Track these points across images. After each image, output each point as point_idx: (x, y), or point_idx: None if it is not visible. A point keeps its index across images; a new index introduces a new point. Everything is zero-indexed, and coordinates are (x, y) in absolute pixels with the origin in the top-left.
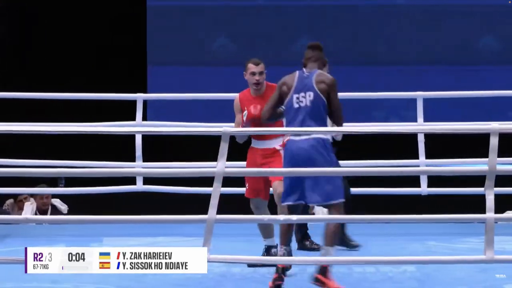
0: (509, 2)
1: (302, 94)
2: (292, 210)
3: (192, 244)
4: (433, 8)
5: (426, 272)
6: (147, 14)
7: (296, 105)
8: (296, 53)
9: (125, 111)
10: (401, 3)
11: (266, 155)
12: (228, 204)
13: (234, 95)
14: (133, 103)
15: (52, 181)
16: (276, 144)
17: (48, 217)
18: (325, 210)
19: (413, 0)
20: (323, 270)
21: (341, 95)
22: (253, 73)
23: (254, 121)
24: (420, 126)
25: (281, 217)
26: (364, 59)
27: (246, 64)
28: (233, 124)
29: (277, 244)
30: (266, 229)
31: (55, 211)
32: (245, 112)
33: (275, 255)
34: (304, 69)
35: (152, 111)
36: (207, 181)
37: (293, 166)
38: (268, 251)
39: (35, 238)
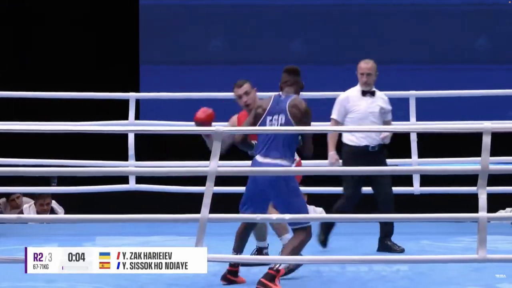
0: (509, 2)
1: (275, 116)
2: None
3: (185, 243)
4: (424, 8)
5: (419, 271)
6: (140, 13)
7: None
8: (291, 52)
9: (118, 111)
10: (393, 3)
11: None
12: (221, 203)
13: (227, 94)
14: (125, 102)
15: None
16: None
17: (42, 216)
18: (318, 209)
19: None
20: (271, 276)
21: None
22: (239, 96)
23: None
24: (412, 126)
25: (274, 216)
26: (357, 57)
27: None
28: (226, 123)
29: (268, 245)
30: (261, 232)
31: (53, 213)
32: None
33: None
34: (280, 93)
35: (144, 111)
36: (200, 180)
37: (256, 187)
38: (259, 252)
39: (29, 237)
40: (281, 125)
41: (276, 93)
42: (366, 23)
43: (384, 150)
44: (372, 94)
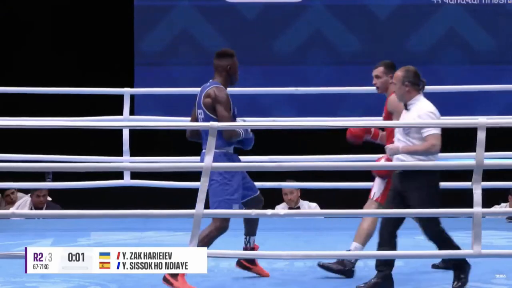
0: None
1: (199, 111)
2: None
3: (180, 239)
4: (413, 7)
5: (414, 266)
6: (134, 10)
7: (200, 121)
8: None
9: (113, 106)
10: (384, 3)
11: None
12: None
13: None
14: (120, 98)
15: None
16: None
17: (35, 211)
18: (312, 204)
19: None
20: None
21: (333, 89)
22: (373, 77)
23: None
24: (406, 121)
25: (269, 211)
26: (350, 57)
27: None
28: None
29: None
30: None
31: (50, 208)
32: None
33: None
34: (210, 81)
35: (139, 106)
36: (195, 175)
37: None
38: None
39: (24, 232)
40: (202, 120)
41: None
42: (354, 23)
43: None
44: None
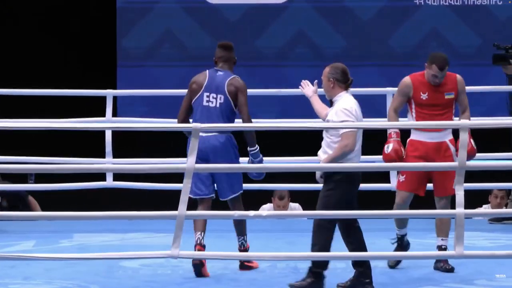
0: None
1: (213, 95)
2: (202, 203)
3: (163, 240)
4: (395, 8)
5: (397, 268)
6: (117, 11)
7: (205, 104)
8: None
9: (95, 107)
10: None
11: (440, 150)
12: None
13: None
14: (103, 99)
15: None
16: (447, 137)
17: (19, 213)
18: (295, 205)
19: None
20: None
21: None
22: None
23: None
24: (390, 122)
25: (251, 212)
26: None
27: None
28: None
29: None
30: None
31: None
32: None
33: None
34: (215, 68)
35: (122, 107)
36: (178, 177)
37: (203, 161)
38: (400, 240)
39: (6, 234)
40: (220, 104)
41: (211, 69)
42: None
43: None
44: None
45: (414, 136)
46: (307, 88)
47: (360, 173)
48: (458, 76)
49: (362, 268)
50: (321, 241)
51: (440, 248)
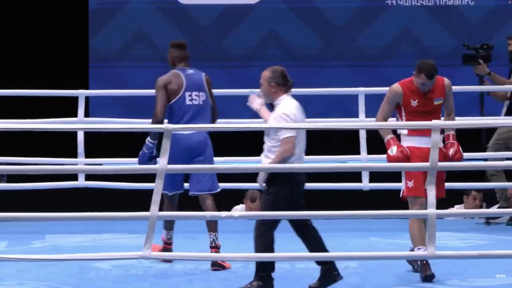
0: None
1: (196, 93)
2: (173, 199)
3: (135, 241)
4: (367, 8)
5: (368, 268)
6: (89, 11)
7: (189, 103)
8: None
9: (67, 107)
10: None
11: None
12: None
13: None
14: (75, 99)
15: None
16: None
17: None
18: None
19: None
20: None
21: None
22: None
23: None
24: (362, 123)
25: (223, 213)
26: (305, 55)
27: None
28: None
29: None
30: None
31: None
32: None
33: None
34: (182, 68)
35: (94, 108)
36: (151, 177)
37: (186, 157)
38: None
39: None
40: (203, 101)
41: (177, 69)
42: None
43: None
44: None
45: (407, 143)
46: (256, 102)
47: (304, 174)
48: (446, 80)
49: (327, 264)
50: (261, 246)
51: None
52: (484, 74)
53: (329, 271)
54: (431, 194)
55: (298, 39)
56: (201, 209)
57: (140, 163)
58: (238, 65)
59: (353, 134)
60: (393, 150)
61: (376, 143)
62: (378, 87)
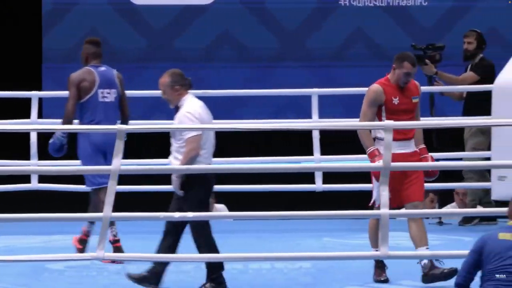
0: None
1: (107, 90)
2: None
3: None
4: (320, 9)
5: (321, 268)
6: (42, 12)
7: (101, 100)
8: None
9: (20, 109)
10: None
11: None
12: (126, 202)
13: (136, 92)
14: (28, 101)
15: None
16: (414, 147)
17: None
18: (220, 206)
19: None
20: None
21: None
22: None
23: None
24: (315, 123)
25: (177, 214)
26: (258, 56)
27: None
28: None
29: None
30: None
31: None
32: None
33: None
34: (94, 65)
35: (47, 109)
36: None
37: (100, 153)
38: None
39: None
40: (115, 98)
41: (89, 66)
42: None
43: None
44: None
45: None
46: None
47: (214, 175)
48: (417, 82)
49: (215, 268)
50: (205, 246)
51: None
52: (432, 74)
53: (216, 277)
54: (384, 194)
55: (252, 39)
56: (158, 209)
57: (50, 152)
58: (191, 66)
59: (307, 134)
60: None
61: (330, 144)
62: (332, 87)
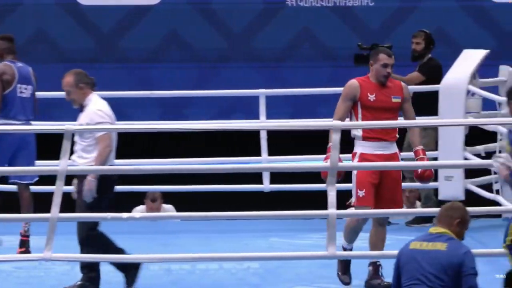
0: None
1: (24, 86)
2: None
3: (36, 243)
4: (268, 10)
5: (269, 268)
6: None
7: (19, 95)
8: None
9: None
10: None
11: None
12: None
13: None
14: None
15: None
16: (395, 149)
17: None
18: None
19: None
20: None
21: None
22: (386, 65)
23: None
24: (263, 123)
25: (125, 215)
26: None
27: None
28: (74, 122)
29: None
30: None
31: None
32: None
33: None
34: (11, 60)
35: None
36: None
37: (10, 149)
38: None
39: None
40: (30, 94)
41: (7, 61)
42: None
43: None
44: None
45: (361, 149)
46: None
47: (116, 176)
48: (403, 83)
49: (92, 273)
50: (96, 247)
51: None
52: None
53: (91, 281)
54: (331, 194)
55: (200, 39)
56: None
57: None
58: (138, 66)
59: (255, 135)
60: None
61: (278, 144)
62: (280, 88)
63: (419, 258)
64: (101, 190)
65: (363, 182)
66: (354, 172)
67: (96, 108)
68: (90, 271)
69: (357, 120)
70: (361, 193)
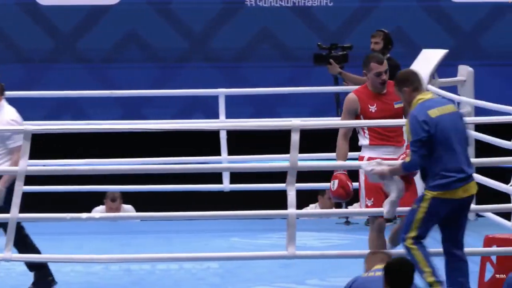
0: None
1: None
2: None
3: None
4: (227, 9)
5: (229, 269)
6: None
7: None
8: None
9: None
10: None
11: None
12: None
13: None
14: None
15: None
16: (400, 152)
17: None
18: (127, 207)
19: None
20: None
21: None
22: (380, 73)
23: None
24: (222, 123)
25: (84, 215)
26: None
27: None
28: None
29: None
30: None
31: None
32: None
33: None
34: None
35: None
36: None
37: None
38: None
39: None
40: None
41: None
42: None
43: None
44: None
45: (368, 153)
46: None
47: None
48: None
49: (40, 269)
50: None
51: None
52: (336, 73)
53: (42, 276)
54: (291, 194)
55: (159, 39)
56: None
57: None
58: (97, 66)
59: (215, 135)
60: (334, 184)
61: (237, 144)
62: (240, 87)
63: None
64: (10, 200)
65: (371, 190)
66: (362, 182)
67: (11, 118)
68: (39, 268)
69: (364, 133)
70: (369, 202)
